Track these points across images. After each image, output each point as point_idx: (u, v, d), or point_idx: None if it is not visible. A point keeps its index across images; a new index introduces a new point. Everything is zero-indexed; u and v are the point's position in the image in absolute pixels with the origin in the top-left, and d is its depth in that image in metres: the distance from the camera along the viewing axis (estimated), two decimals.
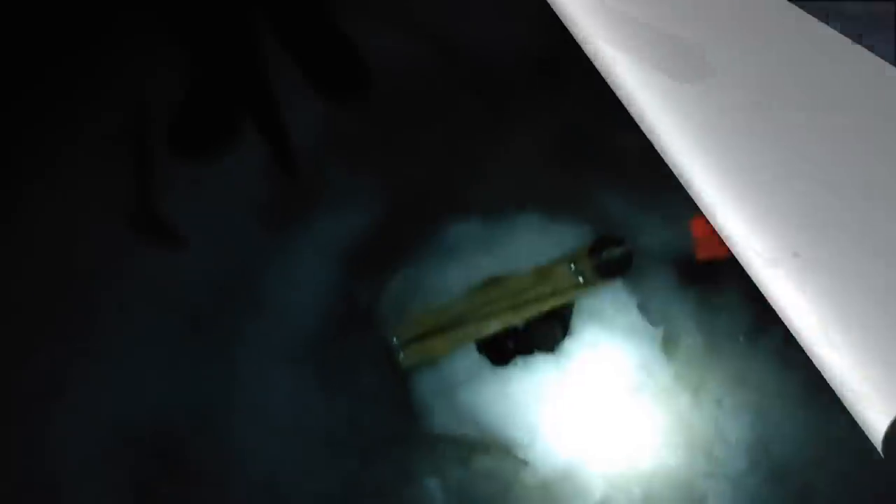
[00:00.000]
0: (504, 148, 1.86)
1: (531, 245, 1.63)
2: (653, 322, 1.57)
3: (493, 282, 1.58)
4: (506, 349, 1.58)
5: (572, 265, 1.56)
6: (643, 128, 0.86)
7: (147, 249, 1.72)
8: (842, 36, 0.75)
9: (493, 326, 1.52)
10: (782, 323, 1.51)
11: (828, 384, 0.68)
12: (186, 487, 1.48)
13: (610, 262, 1.55)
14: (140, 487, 1.47)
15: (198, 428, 1.52)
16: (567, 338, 1.55)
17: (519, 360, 1.53)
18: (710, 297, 1.65)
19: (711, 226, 1.31)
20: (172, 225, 1.74)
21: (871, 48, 0.69)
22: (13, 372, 1.58)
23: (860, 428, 0.65)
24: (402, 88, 1.90)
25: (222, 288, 1.68)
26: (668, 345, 1.58)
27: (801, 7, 0.74)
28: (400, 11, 1.90)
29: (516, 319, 1.54)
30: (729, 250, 1.33)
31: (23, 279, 1.67)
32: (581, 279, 1.55)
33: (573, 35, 0.89)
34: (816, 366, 0.70)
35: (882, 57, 0.69)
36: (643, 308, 1.59)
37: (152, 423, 1.53)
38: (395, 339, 1.49)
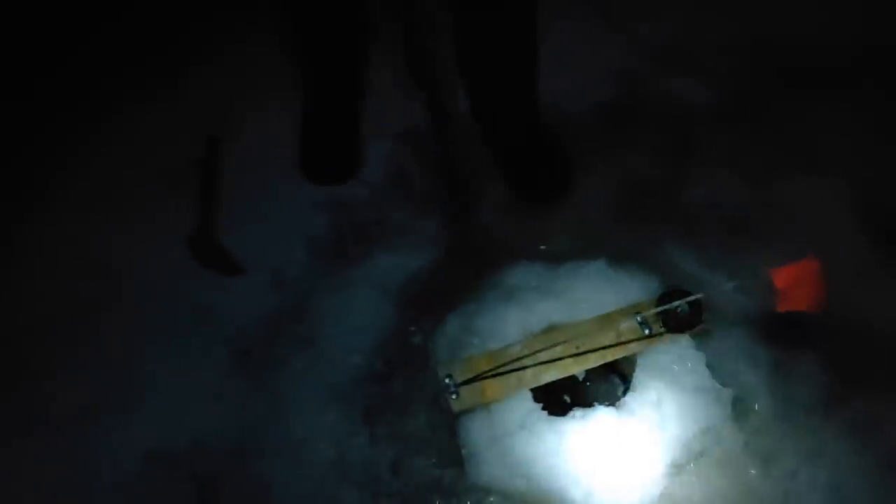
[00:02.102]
0: (573, 195, 1.81)
1: (595, 293, 1.55)
2: (722, 383, 1.48)
3: (554, 328, 1.50)
4: (563, 400, 1.49)
5: (638, 316, 1.48)
6: None
7: (204, 277, 1.70)
8: None
9: (550, 374, 1.44)
10: (862, 395, 1.41)
11: None
12: None
13: (678, 315, 1.46)
14: None
15: (235, 461, 1.47)
16: (628, 392, 1.46)
17: (576, 413, 1.44)
18: (786, 360, 1.55)
19: (793, 277, 1.23)
20: (231, 254, 1.72)
21: None
22: (59, 389, 1.56)
23: None
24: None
25: (275, 321, 1.66)
26: (738, 409, 1.48)
27: None
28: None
29: (576, 369, 1.46)
30: (810, 303, 1.25)
31: (75, 298, 1.67)
32: (647, 331, 1.46)
33: None
34: None
35: None
36: (712, 367, 1.50)
37: (191, 452, 1.49)
38: (447, 381, 1.42)
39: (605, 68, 2.04)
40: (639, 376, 1.47)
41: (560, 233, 1.73)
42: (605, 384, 1.49)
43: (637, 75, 2.01)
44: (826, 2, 2.08)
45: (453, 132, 1.89)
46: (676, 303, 1.44)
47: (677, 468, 1.40)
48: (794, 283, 1.19)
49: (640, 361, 1.47)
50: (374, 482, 1.41)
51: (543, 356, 1.43)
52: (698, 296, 1.42)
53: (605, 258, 1.60)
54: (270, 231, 1.76)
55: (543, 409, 1.43)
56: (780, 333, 1.54)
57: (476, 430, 1.42)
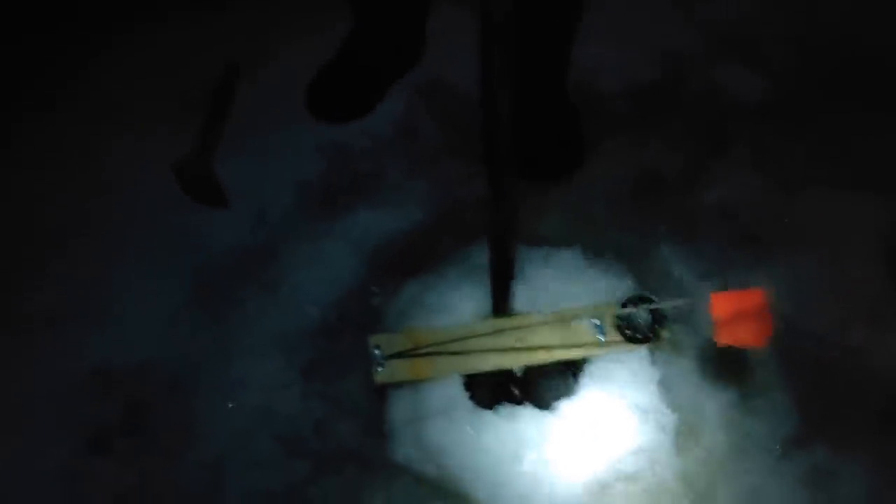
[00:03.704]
0: (576, 177, 1.69)
1: (559, 284, 1.46)
2: (672, 406, 1.36)
3: (507, 316, 1.42)
4: (496, 392, 1.42)
5: (596, 320, 1.37)
6: None
7: (189, 205, 1.70)
8: None
9: (486, 364, 1.37)
10: (829, 443, 1.27)
11: None
12: (136, 447, 1.43)
13: (638, 324, 1.35)
14: (94, 432, 1.45)
15: (169, 392, 1.48)
16: (567, 398, 1.37)
17: (504, 409, 1.37)
18: (753, 393, 1.41)
19: (733, 306, 1.11)
20: (221, 185, 1.71)
21: None
22: (26, 293, 1.60)
23: None
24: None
25: (244, 259, 1.63)
26: (683, 436, 1.36)
27: None
28: None
29: (515, 363, 1.38)
30: (748, 339, 1.12)
31: (64, 207, 1.71)
32: (601, 336, 1.36)
33: None
34: None
35: None
36: (665, 387, 1.38)
37: (132, 375, 1.51)
38: (376, 352, 1.37)
39: (652, 45, 1.87)
40: (582, 383, 1.37)
41: (547, 214, 1.62)
42: (543, 384, 1.40)
43: (684, 57, 1.84)
44: None
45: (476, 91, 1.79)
46: (637, 311, 1.33)
47: (601, 486, 1.32)
48: (733, 313, 1.07)
49: (587, 368, 1.38)
50: (294, 439, 1.39)
51: (484, 343, 1.35)
52: (661, 306, 1.30)
53: (583, 248, 1.49)
54: (265, 168, 1.72)
55: (471, 398, 1.36)
56: (752, 361, 1.41)
57: (400, 407, 1.38)
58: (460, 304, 1.44)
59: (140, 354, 1.52)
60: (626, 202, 1.63)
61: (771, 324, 1.08)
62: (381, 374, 1.34)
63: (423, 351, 1.35)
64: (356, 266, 1.60)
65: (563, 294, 1.44)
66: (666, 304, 1.31)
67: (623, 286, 1.45)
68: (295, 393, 1.44)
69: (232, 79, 1.85)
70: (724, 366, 1.40)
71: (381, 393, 1.38)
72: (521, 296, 1.43)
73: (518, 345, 1.36)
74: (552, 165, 1.64)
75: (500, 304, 1.31)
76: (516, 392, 1.40)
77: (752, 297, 1.08)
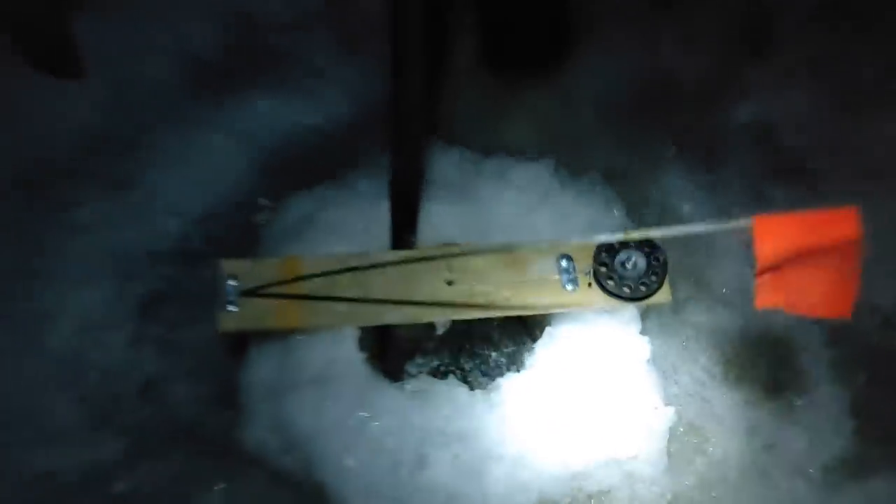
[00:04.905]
0: (559, 74, 1.29)
1: (518, 211, 1.00)
2: (667, 397, 0.91)
3: (436, 251, 0.96)
4: (406, 358, 0.96)
5: (563, 259, 0.91)
6: None
7: (26, 70, 1.25)
8: None
9: (399, 314, 0.91)
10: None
11: None
12: None
13: (625, 273, 0.89)
14: None
15: None
16: (513, 374, 0.92)
17: (419, 384, 0.91)
18: (786, 391, 0.96)
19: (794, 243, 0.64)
20: (73, 49, 1.26)
21: None
22: None
23: None
24: None
25: (94, 145, 1.22)
26: (681, 445, 0.91)
27: None
28: None
29: (443, 316, 0.92)
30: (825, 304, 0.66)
31: None
32: (569, 286, 0.90)
33: None
34: None
35: None
36: (659, 368, 0.92)
37: None
38: (231, 283, 0.90)
39: None
40: (538, 351, 0.91)
41: (512, 118, 1.16)
42: (479, 352, 0.93)
43: None
44: None
45: None
46: (626, 252, 0.87)
47: None
48: (791, 255, 0.61)
49: (547, 328, 0.92)
50: (109, 404, 0.94)
51: (393, 285, 0.89)
52: (664, 258, 0.85)
53: (556, 163, 1.03)
54: (137, 31, 1.31)
55: (368, 360, 0.90)
56: (797, 344, 0.95)
57: (262, 370, 0.92)
58: (372, 228, 0.98)
59: None
60: (625, 111, 1.23)
61: (856, 282, 0.63)
62: (230, 318, 0.88)
63: (303, 289, 0.89)
64: (243, 169, 1.23)
65: (522, 224, 0.97)
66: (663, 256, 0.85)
67: (608, 219, 0.99)
68: (121, 338, 1.07)
69: None
70: (752, 347, 0.94)
71: (239, 348, 0.92)
72: (458, 222, 0.97)
73: (446, 290, 0.90)
74: (525, 55, 1.29)
75: (401, 233, 0.86)
76: (437, 360, 0.94)
77: (833, 227, 0.62)
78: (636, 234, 0.72)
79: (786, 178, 1.19)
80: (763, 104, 1.27)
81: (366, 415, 0.89)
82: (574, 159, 1.12)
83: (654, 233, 0.77)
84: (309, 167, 1.22)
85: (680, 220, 1.07)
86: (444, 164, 1.09)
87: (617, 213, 1.04)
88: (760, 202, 1.17)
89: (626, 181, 1.12)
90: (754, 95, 1.27)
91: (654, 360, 0.94)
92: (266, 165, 1.21)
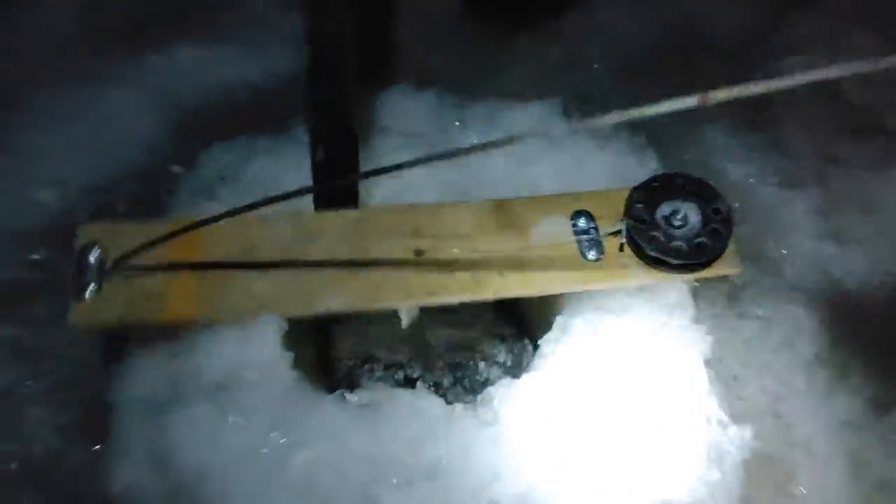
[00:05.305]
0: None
1: (520, 157, 0.72)
2: (730, 402, 0.63)
3: (397, 209, 0.68)
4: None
5: (583, 220, 0.64)
6: None
7: None
8: None
9: (345, 302, 0.62)
10: None
11: None
12: None
13: (671, 234, 0.61)
14: None
15: None
16: (508, 382, 0.62)
17: (369, 395, 0.62)
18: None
19: None
20: None
21: None
22: None
23: None
24: None
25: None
26: (751, 470, 0.62)
27: None
28: None
29: (409, 300, 0.63)
30: None
31: None
32: (591, 252, 0.62)
33: None
34: None
35: None
36: (721, 369, 0.63)
37: None
38: (92, 256, 0.61)
39: None
40: (544, 351, 0.62)
41: (510, 63, 0.89)
42: (461, 350, 0.64)
43: None
44: None
45: None
46: (675, 205, 0.59)
47: None
48: None
49: (557, 319, 0.63)
50: None
51: (335, 255, 0.61)
52: (729, 210, 0.58)
53: (564, 101, 0.75)
54: None
55: (296, 365, 0.61)
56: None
57: (142, 379, 0.62)
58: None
59: None
60: (647, 61, 0.91)
61: None
62: (86, 308, 0.59)
63: (197, 259, 0.60)
64: (153, 131, 0.92)
65: (520, 178, 0.69)
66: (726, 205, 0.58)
67: (644, 168, 0.70)
68: None
69: None
70: (844, 344, 0.66)
71: (113, 349, 0.62)
72: (434, 180, 0.70)
73: (412, 265, 0.61)
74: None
75: (331, 173, 0.60)
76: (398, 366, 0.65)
77: None
78: (722, 93, 0.42)
79: (850, 139, 0.93)
80: (814, 51, 1.01)
81: (287, 441, 0.59)
82: (592, 95, 0.85)
83: (756, 87, 0.43)
84: (235, 129, 0.95)
85: (725, 187, 0.79)
86: (414, 109, 0.81)
87: (648, 155, 0.76)
88: (818, 166, 0.90)
89: (657, 137, 0.84)
90: (799, 42, 1.01)
91: (711, 364, 0.65)
92: (183, 126, 0.95)
